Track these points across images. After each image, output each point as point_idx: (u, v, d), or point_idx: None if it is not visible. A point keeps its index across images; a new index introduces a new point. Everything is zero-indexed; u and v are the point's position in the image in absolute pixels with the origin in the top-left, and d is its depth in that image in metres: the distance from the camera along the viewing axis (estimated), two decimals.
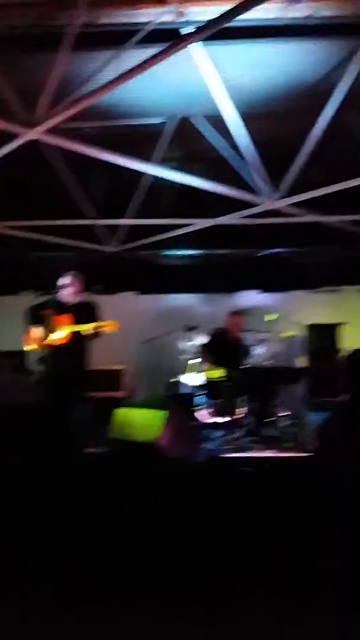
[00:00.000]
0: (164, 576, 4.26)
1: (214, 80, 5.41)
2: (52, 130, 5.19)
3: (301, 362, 8.66)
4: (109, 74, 4.95)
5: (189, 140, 7.15)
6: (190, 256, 9.37)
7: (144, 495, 4.71)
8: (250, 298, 9.69)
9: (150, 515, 4.60)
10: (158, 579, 4.27)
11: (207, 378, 7.06)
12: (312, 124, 5.71)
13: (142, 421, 5.41)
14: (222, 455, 5.60)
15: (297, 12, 4.81)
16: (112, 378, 8.30)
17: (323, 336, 8.59)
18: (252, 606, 4.04)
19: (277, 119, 6.49)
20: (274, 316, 7.63)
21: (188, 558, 4.42)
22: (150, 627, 3.47)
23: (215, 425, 6.96)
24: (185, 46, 4.77)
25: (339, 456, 3.10)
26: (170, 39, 4.72)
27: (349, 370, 2.93)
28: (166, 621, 3.50)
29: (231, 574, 4.33)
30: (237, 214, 7.09)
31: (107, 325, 5.61)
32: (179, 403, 6.76)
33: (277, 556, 4.24)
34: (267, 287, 9.78)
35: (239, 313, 7.23)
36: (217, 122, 6.18)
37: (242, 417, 7.09)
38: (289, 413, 7.11)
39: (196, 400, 7.21)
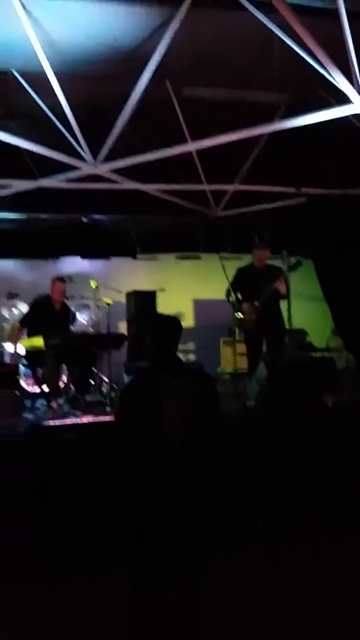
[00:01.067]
0: None
1: (32, 34, 5.18)
2: None
3: (121, 328, 8.84)
4: None
5: (7, 95, 6.79)
6: (11, 220, 8.95)
7: None
8: (73, 264, 9.57)
9: None
10: None
11: (29, 346, 6.89)
12: (129, 90, 5.70)
13: None
14: (42, 424, 5.52)
15: None
16: None
17: (142, 303, 8.81)
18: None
19: (97, 81, 6.39)
20: (95, 283, 7.62)
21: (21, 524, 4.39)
22: None
23: (36, 394, 6.84)
24: None
25: None
26: None
27: (151, 334, 3.07)
28: None
29: (47, 538, 4.39)
30: (57, 176, 6.91)
31: None
32: None
33: (96, 516, 4.38)
34: (89, 254, 9.73)
35: (61, 279, 7.10)
36: (35, 78, 5.96)
37: (64, 385, 7.06)
38: (108, 379, 7.23)
39: (18, 369, 7.03)
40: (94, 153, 6.37)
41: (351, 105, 5.05)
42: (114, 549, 3.38)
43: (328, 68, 4.62)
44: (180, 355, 3.20)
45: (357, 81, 4.90)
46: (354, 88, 4.87)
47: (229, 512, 4.37)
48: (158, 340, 3.07)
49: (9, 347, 7.23)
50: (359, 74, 4.86)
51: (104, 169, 6.48)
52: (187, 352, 9.99)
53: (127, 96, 5.80)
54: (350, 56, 4.77)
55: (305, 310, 9.12)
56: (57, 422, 5.54)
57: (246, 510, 4.70)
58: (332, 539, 4.56)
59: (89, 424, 5.45)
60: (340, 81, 4.72)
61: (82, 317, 7.79)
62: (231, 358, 7.78)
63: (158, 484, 2.82)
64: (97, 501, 4.44)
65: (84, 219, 9.15)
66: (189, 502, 2.87)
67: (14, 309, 7.75)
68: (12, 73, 6.23)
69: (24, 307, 7.52)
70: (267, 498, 4.83)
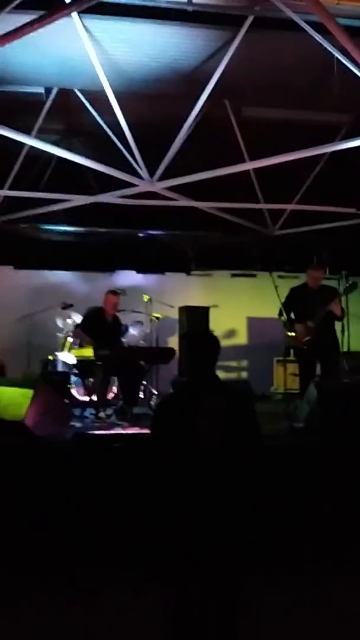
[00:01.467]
0: (31, 548, 4.31)
1: (93, 55, 5.37)
2: None
3: (173, 343, 8.89)
4: None
5: (69, 113, 7.05)
6: (69, 232, 9.24)
7: (9, 472, 4.66)
8: (127, 278, 9.74)
9: (17, 491, 4.57)
10: (26, 551, 4.31)
11: (80, 357, 7.05)
12: (188, 110, 5.81)
13: (9, 399, 5.29)
14: (89, 433, 5.63)
15: None
16: None
17: (194, 318, 8.85)
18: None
19: (156, 101, 6.54)
20: (148, 297, 7.73)
21: (60, 531, 4.47)
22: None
23: (86, 404, 6.99)
24: (64, 15, 4.70)
25: None
26: (47, 7, 4.65)
27: (185, 351, 3.10)
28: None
29: (97, 544, 4.45)
30: (115, 192, 7.08)
31: None
32: (49, 381, 6.66)
33: (141, 525, 4.38)
34: (143, 268, 9.89)
35: (115, 292, 7.24)
36: (97, 97, 6.16)
37: (113, 396, 7.17)
38: (156, 392, 7.30)
39: (70, 378, 7.20)
40: (152, 171, 6.51)
41: None
42: (151, 558, 3.38)
43: None
44: (233, 373, 3.17)
45: None
46: None
47: (271, 532, 4.31)
48: (194, 357, 3.04)
49: (62, 356, 7.42)
50: None
51: (159, 187, 6.60)
52: (240, 370, 9.97)
53: (185, 116, 5.91)
54: None
55: None
56: (103, 432, 5.63)
57: (291, 531, 4.62)
58: None
59: (134, 435, 5.50)
60: None
61: (134, 330, 7.90)
62: (284, 378, 7.71)
63: (191, 501, 2.81)
64: (137, 512, 4.46)
65: (140, 234, 9.32)
66: (223, 521, 2.84)
67: (68, 320, 7.93)
68: (74, 92, 6.47)
69: (77, 318, 7.69)
70: (311, 520, 4.73)
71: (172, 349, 7.16)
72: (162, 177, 6.53)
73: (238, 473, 2.90)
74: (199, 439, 2.82)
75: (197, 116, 5.89)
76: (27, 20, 4.33)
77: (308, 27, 5.00)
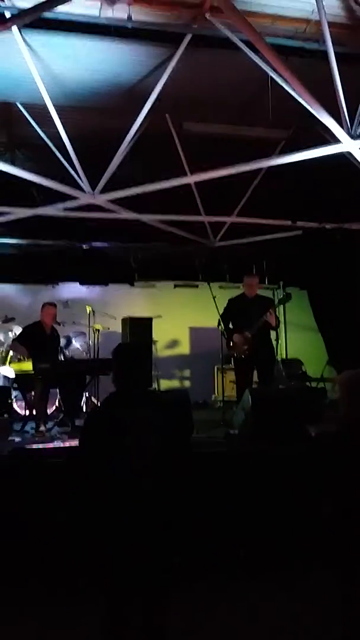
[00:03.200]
0: None
1: (34, 69, 5.39)
2: None
3: None
4: None
5: (10, 125, 7.00)
6: (12, 245, 9.12)
7: None
8: (71, 290, 9.71)
9: None
10: None
11: (19, 371, 6.96)
12: (130, 124, 5.88)
13: None
14: (28, 447, 5.56)
15: (117, 13, 4.95)
16: None
17: (137, 329, 8.89)
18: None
19: (97, 114, 6.59)
20: (90, 308, 7.73)
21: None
22: None
23: (27, 418, 6.90)
24: (4, 29, 4.71)
25: None
26: None
27: (113, 363, 3.10)
28: None
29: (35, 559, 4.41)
30: (57, 205, 7.07)
31: None
32: None
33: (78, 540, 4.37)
34: (87, 280, 9.87)
35: (52, 304, 7.22)
36: (39, 110, 6.16)
37: (55, 409, 7.11)
38: (98, 404, 7.30)
39: (11, 392, 7.09)
40: (94, 183, 6.53)
41: (340, 144, 5.20)
42: (89, 572, 3.39)
43: (315, 108, 4.76)
44: (176, 382, 3.20)
45: (346, 121, 5.06)
46: (343, 128, 5.02)
47: (203, 540, 4.38)
48: (119, 370, 3.04)
49: (2, 370, 7.31)
50: (347, 114, 5.02)
51: (101, 199, 6.63)
52: (182, 379, 10.08)
53: (127, 129, 5.98)
54: (339, 97, 4.94)
55: (304, 340, 9.23)
56: (42, 446, 5.58)
57: (223, 538, 4.70)
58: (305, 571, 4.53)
59: (74, 448, 5.47)
60: (326, 121, 4.86)
61: (77, 342, 7.87)
62: (223, 385, 7.88)
63: (121, 512, 2.84)
64: (75, 525, 4.45)
65: (84, 246, 9.31)
66: (153, 530, 2.88)
67: (9, 333, 7.83)
68: (16, 105, 6.44)
69: (19, 331, 7.61)
70: (245, 524, 4.82)
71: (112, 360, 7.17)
72: (105, 190, 6.55)
73: (168, 481, 2.94)
74: (126, 451, 2.83)
75: (138, 130, 5.96)
76: None
77: (243, 45, 5.16)
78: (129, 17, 5.04)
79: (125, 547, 2.84)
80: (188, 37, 5.33)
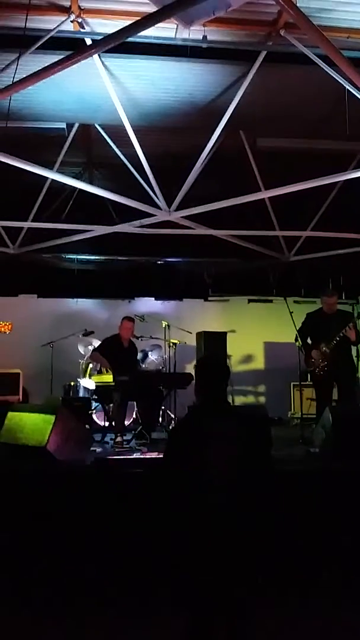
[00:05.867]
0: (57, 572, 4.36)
1: (112, 91, 5.60)
2: None
3: (191, 368, 8.98)
4: (9, 76, 5.00)
5: (90, 147, 7.29)
6: (90, 261, 9.48)
7: (31, 496, 4.74)
8: (146, 304, 9.93)
9: (37, 514, 4.65)
10: (53, 575, 4.36)
11: (100, 382, 7.16)
12: (204, 142, 5.99)
13: (32, 425, 5.38)
14: (109, 458, 5.70)
15: (191, 34, 5.08)
16: (8, 381, 8.21)
17: (212, 343, 8.94)
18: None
19: (173, 134, 6.75)
20: (166, 323, 7.88)
21: (80, 553, 4.52)
22: None
23: (106, 429, 7.08)
24: (87, 56, 4.92)
25: None
26: (70, 47, 4.89)
27: (196, 376, 3.13)
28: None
29: (118, 566, 4.50)
30: (134, 222, 7.27)
31: (1, 326, 5.54)
32: (71, 406, 6.77)
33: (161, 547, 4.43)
34: (162, 295, 10.08)
35: (130, 318, 7.39)
36: (116, 131, 6.38)
37: (131, 421, 7.26)
38: (175, 417, 7.40)
39: (91, 404, 7.32)
40: (169, 200, 6.69)
41: None
42: (168, 583, 3.42)
43: None
44: (251, 397, 3.20)
45: None
46: None
47: (284, 559, 4.33)
48: (203, 383, 3.07)
49: (83, 382, 7.54)
50: None
51: (176, 216, 6.76)
52: (257, 395, 10.01)
53: (200, 147, 6.10)
54: None
55: None
56: (123, 457, 5.70)
57: (305, 556, 4.62)
58: None
59: (154, 460, 5.56)
60: None
61: (152, 356, 8.00)
62: (300, 402, 7.74)
63: (202, 525, 2.86)
64: (155, 537, 4.51)
65: (159, 262, 9.51)
66: (235, 546, 2.88)
67: (89, 346, 8.08)
68: (94, 127, 6.71)
69: (97, 344, 7.83)
70: (327, 545, 4.72)
71: (189, 374, 7.25)
72: (179, 207, 6.69)
73: (247, 497, 2.93)
74: (209, 464, 2.86)
75: (212, 147, 6.07)
76: (51, 62, 4.53)
77: (318, 59, 5.17)
78: (204, 37, 5.18)
79: (207, 561, 2.85)
80: (263, 54, 5.40)
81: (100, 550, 4.59)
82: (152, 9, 4.22)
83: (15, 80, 4.72)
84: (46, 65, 4.52)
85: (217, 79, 5.73)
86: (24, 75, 4.65)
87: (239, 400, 9.56)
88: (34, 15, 4.90)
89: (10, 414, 5.48)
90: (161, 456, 5.61)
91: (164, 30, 5.12)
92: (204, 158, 6.12)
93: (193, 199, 6.73)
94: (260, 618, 3.00)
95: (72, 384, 7.99)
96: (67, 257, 9.25)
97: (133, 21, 4.19)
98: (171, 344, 7.67)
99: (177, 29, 5.09)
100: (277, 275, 10.03)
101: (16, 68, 4.92)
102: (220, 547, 2.84)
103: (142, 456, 5.77)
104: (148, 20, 4.13)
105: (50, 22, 5.03)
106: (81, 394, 7.68)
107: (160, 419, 7.39)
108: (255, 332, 10.08)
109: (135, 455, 5.82)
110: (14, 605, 4.15)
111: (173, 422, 7.41)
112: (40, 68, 4.54)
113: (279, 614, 4.00)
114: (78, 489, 4.89)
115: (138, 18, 4.21)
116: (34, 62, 4.98)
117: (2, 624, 3.92)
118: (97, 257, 9.32)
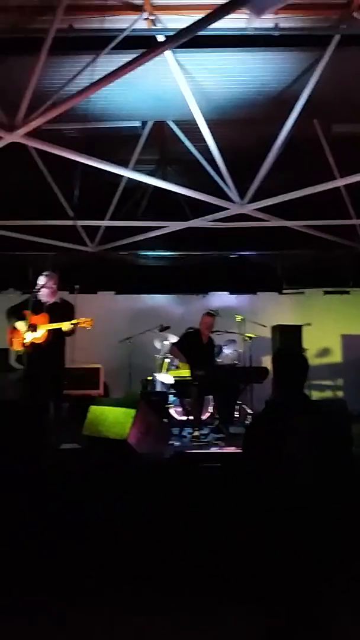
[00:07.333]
0: (135, 564, 4.44)
1: (184, 86, 5.61)
2: (32, 134, 5.30)
3: (267, 362, 8.90)
4: (86, 78, 5.13)
5: (163, 144, 7.34)
6: (165, 257, 9.58)
7: (113, 489, 4.85)
8: (221, 299, 9.93)
9: (118, 507, 4.75)
10: (130, 566, 4.44)
11: (177, 377, 7.23)
12: (276, 131, 5.90)
13: (113, 419, 5.50)
14: (187, 451, 5.75)
15: (262, 23, 5.01)
16: (89, 376, 8.45)
17: (287, 337, 8.82)
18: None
19: (243, 125, 6.67)
20: (241, 317, 7.84)
21: (158, 546, 4.58)
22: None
23: (183, 423, 7.15)
24: (160, 52, 4.95)
25: None
26: (143, 45, 4.93)
27: (275, 370, 3.05)
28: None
29: (195, 561, 4.51)
30: (207, 217, 7.27)
31: (83, 322, 5.68)
32: (149, 401, 6.88)
33: (239, 543, 4.41)
34: (236, 289, 10.05)
35: (210, 314, 7.42)
36: (188, 126, 6.40)
37: (208, 415, 7.28)
38: (251, 411, 7.36)
39: (169, 398, 7.41)
40: (242, 193, 6.64)
41: None
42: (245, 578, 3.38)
43: None
44: (328, 392, 3.13)
45: None
46: None
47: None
48: (281, 377, 3.03)
49: (160, 376, 7.63)
50: None
51: (250, 209, 6.71)
52: (335, 389, 9.79)
53: (274, 137, 6.02)
54: None
55: None
56: (202, 451, 5.73)
57: None
58: None
59: (232, 454, 5.55)
60: None
61: (227, 350, 8.00)
62: None
63: (280, 519, 2.82)
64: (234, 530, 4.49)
65: (232, 256, 9.47)
66: (311, 539, 2.83)
67: (165, 341, 8.16)
68: (167, 123, 6.75)
69: (174, 340, 7.90)
70: None
71: (265, 369, 7.20)
72: (253, 199, 6.63)
73: (326, 492, 2.86)
74: (287, 459, 2.82)
75: (285, 137, 5.97)
76: (125, 61, 4.59)
77: None
78: (276, 26, 5.10)
79: (283, 554, 2.82)
80: (336, 38, 5.25)
81: (177, 543, 4.63)
82: (222, 0, 4.18)
83: (92, 81, 4.81)
84: (120, 65, 4.58)
85: (290, 66, 5.63)
86: (99, 77, 4.74)
87: (316, 394, 9.38)
88: (108, 16, 4.99)
89: (92, 408, 5.62)
90: (239, 451, 5.64)
91: (235, 22, 5.05)
92: (278, 148, 6.03)
93: (265, 190, 6.65)
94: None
95: (149, 378, 8.11)
96: (142, 254, 9.39)
97: (204, 15, 4.17)
98: (246, 338, 7.63)
99: (248, 19, 5.03)
100: (353, 266, 9.75)
101: (92, 70, 5.03)
102: (298, 544, 2.80)
103: (220, 450, 5.78)
104: (219, 12, 4.09)
105: (124, 22, 5.08)
106: (158, 388, 7.77)
107: (236, 414, 7.37)
108: (332, 325, 9.87)
109: (212, 450, 5.84)
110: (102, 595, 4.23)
111: (249, 416, 7.38)
112: (115, 68, 4.61)
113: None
114: (158, 481, 4.96)
115: (209, 11, 4.18)
116: (108, 63, 5.05)
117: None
118: (171, 254, 9.40)
